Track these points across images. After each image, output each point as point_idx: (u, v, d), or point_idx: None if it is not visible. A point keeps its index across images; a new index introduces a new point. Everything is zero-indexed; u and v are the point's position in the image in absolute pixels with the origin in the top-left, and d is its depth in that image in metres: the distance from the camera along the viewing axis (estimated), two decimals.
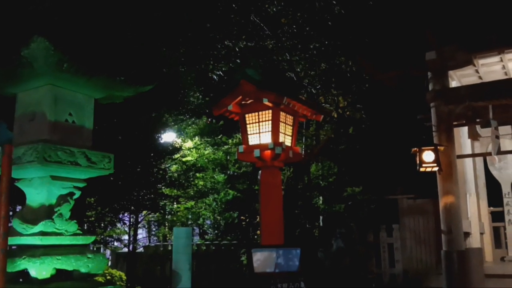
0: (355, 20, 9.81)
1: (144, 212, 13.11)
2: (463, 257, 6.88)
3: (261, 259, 5.75)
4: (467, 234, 8.01)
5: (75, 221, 4.18)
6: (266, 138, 6.70)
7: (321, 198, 13.57)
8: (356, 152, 13.33)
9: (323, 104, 11.84)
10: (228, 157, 13.62)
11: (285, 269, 5.79)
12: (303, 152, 12.27)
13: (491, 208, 9.93)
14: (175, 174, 13.46)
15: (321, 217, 13.28)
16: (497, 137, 6.77)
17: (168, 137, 13.47)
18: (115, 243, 13.84)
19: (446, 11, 7.16)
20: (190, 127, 14.33)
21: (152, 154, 11.69)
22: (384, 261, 10.31)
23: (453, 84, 8.10)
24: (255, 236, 12.80)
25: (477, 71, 8.25)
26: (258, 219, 11.48)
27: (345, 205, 12.61)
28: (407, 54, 7.63)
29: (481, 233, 9.09)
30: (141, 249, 13.17)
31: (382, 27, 8.19)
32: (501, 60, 7.90)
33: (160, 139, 12.55)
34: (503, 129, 7.21)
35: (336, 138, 13.31)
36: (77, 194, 4.27)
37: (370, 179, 12.51)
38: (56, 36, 3.80)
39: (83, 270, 4.11)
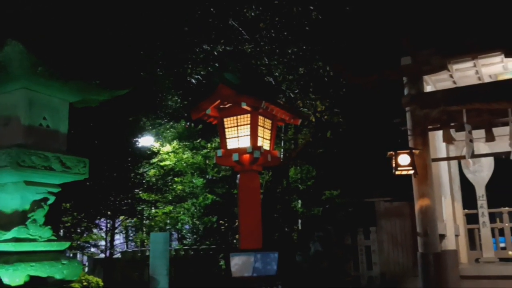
0: (332, 25, 9.90)
1: (121, 217, 12.96)
2: (438, 259, 6.98)
3: (239, 264, 5.74)
4: (442, 236, 8.14)
5: (49, 227, 4.11)
6: (244, 142, 6.71)
7: (299, 201, 13.63)
8: (334, 155, 13.46)
9: (301, 108, 11.92)
10: (207, 161, 13.57)
11: (263, 273, 5.79)
12: (281, 156, 12.31)
13: (466, 210, 10.11)
14: (153, 179, 13.35)
15: (299, 221, 13.34)
16: (471, 140, 6.90)
17: (146, 141, 13.36)
18: (92, 249, 13.63)
19: (422, 17, 7.29)
20: (168, 131, 14.25)
21: (129, 159, 11.58)
22: (361, 263, 10.40)
23: (428, 88, 8.25)
24: (234, 241, 12.77)
25: (451, 76, 8.41)
26: (237, 223, 11.46)
27: (323, 209, 12.70)
28: (383, 59, 7.73)
29: (456, 235, 9.25)
30: (118, 255, 13.00)
31: (358, 32, 8.29)
32: (475, 66, 8.08)
33: (137, 143, 12.44)
34: (477, 133, 7.35)
35: (314, 142, 13.42)
36: (52, 199, 4.20)
37: (348, 183, 12.63)
38: (31, 40, 3.76)
39: (57, 276, 4.04)
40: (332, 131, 13.04)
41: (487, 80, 8.63)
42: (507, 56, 7.10)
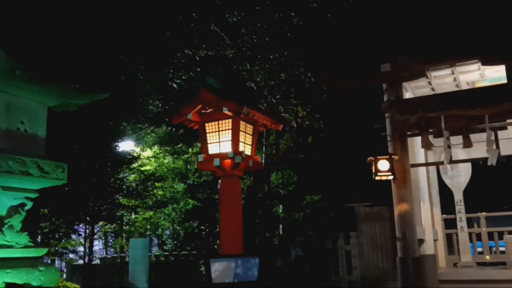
0: (314, 31, 9.99)
1: (101, 223, 12.80)
2: (417, 263, 7.06)
3: (220, 269, 5.72)
4: (421, 241, 8.24)
5: (26, 233, 4.03)
6: (226, 147, 6.71)
7: (281, 206, 13.66)
8: (315, 161, 13.53)
9: (283, 114, 11.98)
10: (188, 166, 13.52)
11: (244, 279, 5.78)
12: (263, 161, 12.34)
13: (444, 215, 10.26)
14: (133, 184, 13.23)
15: (281, 226, 13.36)
16: (449, 146, 7.03)
17: (126, 146, 13.25)
18: (70, 255, 13.43)
19: (401, 24, 7.41)
20: (149, 136, 14.16)
21: (109, 164, 11.46)
22: (342, 268, 10.46)
23: (407, 95, 8.37)
24: (215, 246, 12.72)
25: (430, 83, 8.56)
26: (218, 229, 11.43)
27: (304, 213, 12.75)
28: (363, 65, 7.82)
29: (435, 240, 9.38)
30: (97, 261, 12.83)
31: (339, 39, 8.37)
32: (453, 73, 8.24)
33: (117, 148, 12.32)
34: (454, 139, 7.48)
35: (296, 147, 13.48)
36: (29, 205, 4.12)
37: (329, 188, 12.72)
38: (9, 43, 3.70)
39: (34, 283, 3.96)
40: (313, 136, 13.12)
41: (464, 87, 8.81)
42: (483, 63, 7.25)
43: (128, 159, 12.48)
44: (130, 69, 10.33)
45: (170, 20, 9.89)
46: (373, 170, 7.01)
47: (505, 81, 6.95)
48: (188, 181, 13.50)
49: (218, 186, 6.90)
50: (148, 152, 14.40)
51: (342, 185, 12.07)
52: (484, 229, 10.14)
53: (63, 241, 12.54)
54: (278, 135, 13.30)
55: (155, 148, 14.37)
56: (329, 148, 13.18)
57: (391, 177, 7.02)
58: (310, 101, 12.16)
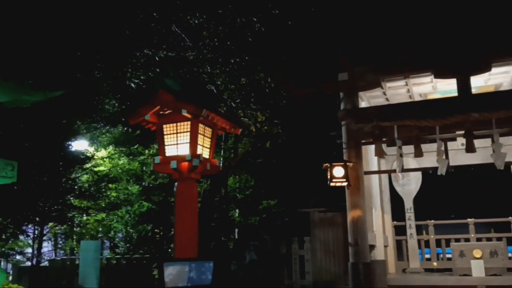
0: (275, 38, 10.09)
1: (51, 224, 12.40)
2: (368, 269, 7.24)
3: (173, 273, 5.65)
4: (372, 247, 8.46)
5: None
6: (183, 150, 6.64)
7: (237, 210, 13.67)
8: (273, 165, 13.64)
9: (242, 118, 12.02)
10: (144, 168, 13.30)
11: (198, 283, 5.73)
12: (221, 164, 12.32)
13: (395, 222, 10.54)
14: (86, 185, 12.91)
15: (236, 230, 13.36)
16: (401, 155, 7.26)
17: (80, 145, 12.91)
18: (18, 257, 12.93)
19: (359, 35, 7.61)
20: (104, 136, 13.84)
21: (61, 163, 11.14)
22: (295, 272, 10.55)
23: (363, 104, 8.59)
24: (169, 250, 12.56)
25: (384, 93, 8.83)
26: (173, 232, 11.30)
27: (260, 218, 12.81)
28: (322, 73, 7.98)
29: (385, 246, 9.65)
30: (46, 263, 12.42)
31: (300, 46, 8.50)
32: (406, 84, 8.53)
33: (70, 147, 12.00)
34: (406, 148, 7.74)
35: (254, 152, 13.54)
36: None
37: (285, 193, 12.84)
38: None
39: None
40: (271, 141, 13.24)
41: (417, 98, 9.14)
42: (436, 76, 7.55)
43: (82, 159, 12.17)
44: (87, 66, 10.09)
45: (130, 19, 9.74)
46: (329, 176, 7.15)
47: (456, 94, 7.27)
48: (144, 183, 13.28)
49: (174, 189, 6.82)
50: (102, 153, 14.08)
51: (298, 190, 12.21)
52: (432, 236, 10.49)
53: (10, 242, 12.05)
54: (237, 139, 13.33)
55: (110, 148, 14.06)
56: (286, 154, 13.33)
57: (345, 184, 7.19)
58: (269, 107, 12.27)
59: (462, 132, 6.94)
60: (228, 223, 12.90)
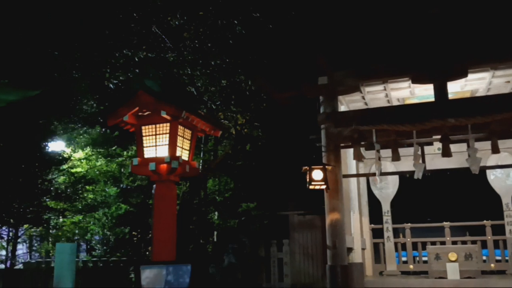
0: (256, 41, 10.11)
1: (26, 225, 12.15)
2: (346, 271, 7.29)
3: (150, 276, 5.59)
4: (350, 249, 8.53)
5: None
6: (162, 152, 6.58)
7: (216, 213, 13.61)
8: (253, 168, 13.63)
9: (222, 120, 11.99)
10: (122, 170, 13.13)
11: (175, 286, 5.69)
12: (200, 167, 12.26)
13: (372, 225, 10.66)
14: (62, 186, 12.69)
15: (215, 233, 13.30)
16: (380, 159, 7.35)
17: (57, 146, 12.69)
18: None
19: (339, 39, 7.68)
20: (81, 137, 13.62)
21: (37, 164, 10.92)
22: (273, 275, 10.58)
23: (342, 108, 8.67)
24: (147, 253, 12.44)
25: (363, 98, 8.92)
26: (151, 235, 11.19)
27: (239, 221, 12.78)
28: (302, 77, 8.03)
29: (363, 249, 9.74)
30: (20, 266, 12.16)
31: (281, 50, 8.53)
32: (385, 89, 8.64)
33: (47, 148, 11.78)
34: (384, 152, 7.84)
35: (234, 154, 13.51)
36: None
37: (265, 195, 12.84)
38: None
39: None
40: (251, 144, 13.23)
41: (395, 103, 9.26)
42: (414, 82, 7.67)
43: (58, 160, 11.96)
44: (65, 66, 9.93)
45: (110, 19, 9.63)
46: (308, 179, 7.18)
47: (433, 99, 7.39)
48: (122, 185, 13.12)
49: (153, 191, 6.74)
50: (80, 154, 13.85)
51: (277, 193, 12.24)
52: (409, 239, 10.64)
53: None
54: (217, 141, 13.29)
55: (88, 149, 13.84)
56: (266, 156, 13.34)
57: (324, 187, 7.23)
58: (249, 109, 12.27)
59: (439, 136, 7.05)
60: (207, 225, 12.83)
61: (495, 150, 6.89)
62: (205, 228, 12.69)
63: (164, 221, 6.46)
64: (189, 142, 6.99)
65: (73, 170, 13.13)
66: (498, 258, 10.23)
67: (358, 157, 7.55)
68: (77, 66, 10.33)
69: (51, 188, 11.85)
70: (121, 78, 10.92)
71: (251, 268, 10.58)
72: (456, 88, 8.47)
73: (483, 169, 7.62)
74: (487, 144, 7.14)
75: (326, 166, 7.25)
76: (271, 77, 8.36)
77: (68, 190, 12.67)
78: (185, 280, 5.75)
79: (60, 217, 13.72)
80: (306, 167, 7.21)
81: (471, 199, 16.62)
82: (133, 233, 12.70)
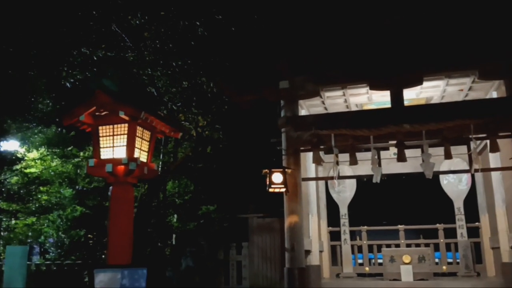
0: (218, 43, 10.10)
1: None
2: (303, 274, 7.35)
3: (105, 280, 5.46)
4: (308, 252, 8.62)
5: None
6: (120, 153, 6.45)
7: (175, 216, 13.46)
8: (213, 171, 13.58)
9: (183, 122, 11.88)
10: (78, 171, 12.78)
11: None
12: (159, 168, 12.10)
13: (330, 228, 10.82)
14: (15, 187, 12.24)
15: (174, 236, 13.15)
16: (338, 163, 7.47)
17: (10, 145, 12.23)
18: None
19: (300, 44, 7.76)
20: (36, 136, 13.16)
21: None
22: (232, 278, 10.56)
23: (303, 112, 8.76)
24: (103, 256, 12.15)
25: (323, 102, 9.05)
26: (107, 238, 10.94)
27: (198, 223, 12.69)
28: (264, 81, 8.06)
29: (321, 251, 9.87)
30: None
31: (243, 53, 8.55)
32: (344, 95, 8.80)
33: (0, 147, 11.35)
34: (342, 156, 7.98)
35: (194, 157, 13.42)
36: None
37: (225, 198, 12.81)
38: None
39: None
40: (212, 146, 13.17)
41: (353, 108, 9.45)
42: (371, 88, 7.84)
43: (11, 160, 11.55)
44: (20, 63, 9.60)
45: (68, 16, 9.38)
46: (268, 182, 7.21)
47: (389, 105, 7.58)
48: (78, 187, 12.76)
49: (109, 193, 6.60)
50: (34, 154, 13.39)
51: (238, 196, 12.24)
52: (365, 242, 10.85)
53: None
54: (177, 143, 13.16)
55: (43, 149, 13.39)
56: (227, 159, 13.33)
57: (283, 190, 7.27)
58: (211, 111, 12.23)
59: (395, 142, 7.24)
60: (166, 228, 12.67)
61: (448, 156, 7.13)
62: (163, 231, 12.53)
63: (120, 224, 6.34)
64: (148, 143, 6.89)
65: (27, 171, 12.69)
66: (450, 260, 10.59)
67: (317, 161, 7.65)
68: (33, 63, 10.01)
69: (3, 189, 11.43)
70: (78, 77, 10.65)
71: (209, 271, 10.52)
72: (412, 95, 8.72)
73: (436, 174, 7.87)
74: (440, 150, 7.37)
75: (286, 169, 7.31)
76: (232, 80, 8.35)
77: (21, 191, 12.25)
78: (141, 284, 5.65)
79: (12, 219, 13.24)
80: (266, 170, 7.24)
81: (425, 203, 17.16)
82: (89, 236, 12.38)
